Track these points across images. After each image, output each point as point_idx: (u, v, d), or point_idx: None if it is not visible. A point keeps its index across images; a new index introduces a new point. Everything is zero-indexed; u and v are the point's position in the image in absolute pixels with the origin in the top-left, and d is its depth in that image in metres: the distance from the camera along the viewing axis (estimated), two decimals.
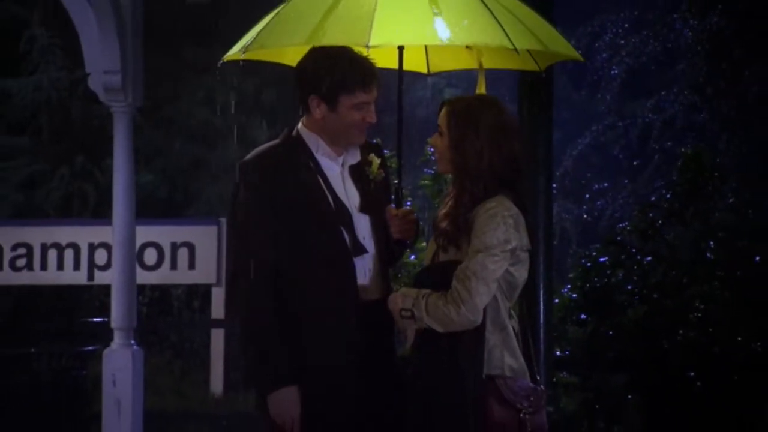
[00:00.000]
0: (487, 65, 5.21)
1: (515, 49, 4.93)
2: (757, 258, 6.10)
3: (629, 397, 5.81)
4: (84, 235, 9.80)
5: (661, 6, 9.96)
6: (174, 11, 9.77)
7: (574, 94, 10.02)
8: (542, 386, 4.67)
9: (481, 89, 5.16)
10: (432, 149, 5.15)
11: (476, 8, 5.03)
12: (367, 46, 4.80)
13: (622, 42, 10.03)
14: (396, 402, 4.78)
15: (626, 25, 9.92)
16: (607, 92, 10.05)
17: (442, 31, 4.91)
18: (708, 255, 6.06)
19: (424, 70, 5.24)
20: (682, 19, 9.74)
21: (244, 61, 5.18)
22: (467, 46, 5.11)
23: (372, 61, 4.71)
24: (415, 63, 5.10)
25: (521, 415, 4.47)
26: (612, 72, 9.95)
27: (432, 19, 4.92)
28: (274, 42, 5.02)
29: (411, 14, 4.96)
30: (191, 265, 9.74)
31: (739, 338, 5.82)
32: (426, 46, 5.09)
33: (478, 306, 4.41)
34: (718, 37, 9.46)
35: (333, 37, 4.84)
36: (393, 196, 5.07)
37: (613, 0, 9.84)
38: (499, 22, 4.95)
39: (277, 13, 5.07)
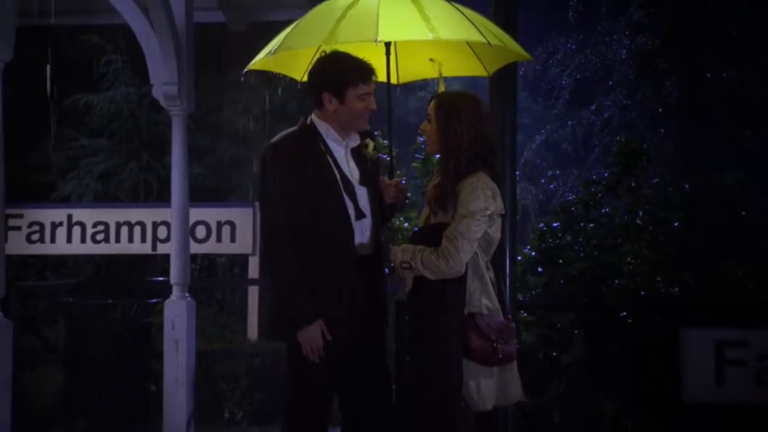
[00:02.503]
0: (445, 74, 5.21)
1: (488, 43, 4.93)
2: (675, 224, 6.11)
3: (575, 332, 5.81)
4: (149, 215, 9.81)
5: (601, 30, 9.95)
6: (218, 38, 9.79)
7: (533, 105, 10.00)
8: (513, 324, 4.69)
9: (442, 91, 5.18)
10: (422, 138, 5.14)
11: (453, 13, 5.02)
12: (377, 41, 4.78)
13: (570, 59, 10.01)
14: (384, 331, 4.80)
15: (573, 47, 9.90)
16: (558, 100, 10.03)
17: (431, 29, 4.90)
18: (637, 221, 6.07)
19: (395, 81, 5.12)
20: (617, 40, 9.75)
21: (265, 76, 5.15)
22: (430, 59, 5.11)
23: (368, 61, 4.73)
24: (381, 69, 4.97)
25: (494, 344, 4.48)
26: (562, 83, 9.93)
27: (422, 21, 4.90)
28: (298, 44, 5.01)
29: (406, 18, 4.92)
30: (232, 239, 9.73)
31: (660, 285, 5.82)
32: (397, 61, 5.02)
33: (463, 260, 4.45)
34: (646, 54, 9.47)
35: (347, 36, 4.85)
36: (387, 172, 5.08)
37: (563, 26, 9.80)
38: (473, 24, 4.94)
39: (297, 24, 5.04)
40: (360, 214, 4.73)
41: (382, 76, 4.89)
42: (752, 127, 9.49)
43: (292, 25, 4.96)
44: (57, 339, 9.48)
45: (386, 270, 4.81)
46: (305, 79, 4.99)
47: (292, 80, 5.42)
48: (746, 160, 8.90)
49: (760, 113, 9.40)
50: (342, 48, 4.73)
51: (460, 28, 4.88)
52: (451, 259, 4.42)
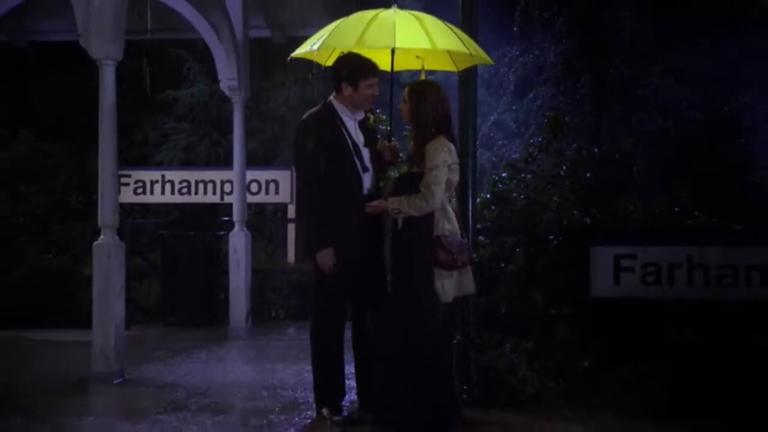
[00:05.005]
0: (427, 67, 5.18)
1: (470, 53, 4.92)
2: (588, 175, 6.09)
3: (517, 249, 5.82)
4: (218, 175, 9.86)
5: (536, 40, 9.90)
6: (266, 49, 9.76)
7: (487, 98, 9.92)
8: (466, 240, 4.76)
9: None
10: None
11: (445, 28, 4.98)
12: (394, 48, 4.77)
13: (514, 62, 9.95)
14: (382, 249, 4.84)
15: (517, 52, 9.83)
16: (505, 91, 9.98)
17: (431, 40, 4.88)
18: (561, 173, 6.06)
19: (389, 69, 5.09)
20: (547, 47, 9.71)
21: (301, 74, 5.11)
22: (417, 56, 5.09)
23: (373, 60, 4.72)
24: (386, 64, 4.97)
25: (454, 256, 4.55)
26: (509, 78, 9.87)
27: (424, 33, 4.87)
28: (335, 45, 4.99)
29: (413, 31, 4.90)
30: (276, 192, 9.80)
31: (576, 217, 5.83)
32: (393, 55, 4.94)
33: (438, 199, 4.53)
34: (567, 57, 9.44)
35: (372, 42, 4.81)
36: (386, 138, 5.09)
37: (509, 38, 9.74)
38: (458, 37, 4.93)
39: (334, 28, 4.97)
40: (365, 169, 4.78)
41: (386, 67, 4.93)
42: (640, 110, 9.51)
43: (330, 29, 4.91)
44: (156, 260, 9.57)
45: None
46: (328, 64, 5.01)
47: (318, 80, 5.44)
48: (635, 133, 8.93)
49: (645, 100, 9.46)
50: (366, 51, 4.77)
51: (450, 40, 4.87)
52: (430, 200, 4.54)
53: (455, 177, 4.66)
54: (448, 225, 4.62)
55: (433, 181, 4.50)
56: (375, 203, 4.69)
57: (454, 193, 4.77)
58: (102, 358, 5.94)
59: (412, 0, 9.38)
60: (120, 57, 6.05)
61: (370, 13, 4.90)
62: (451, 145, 4.63)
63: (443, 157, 4.54)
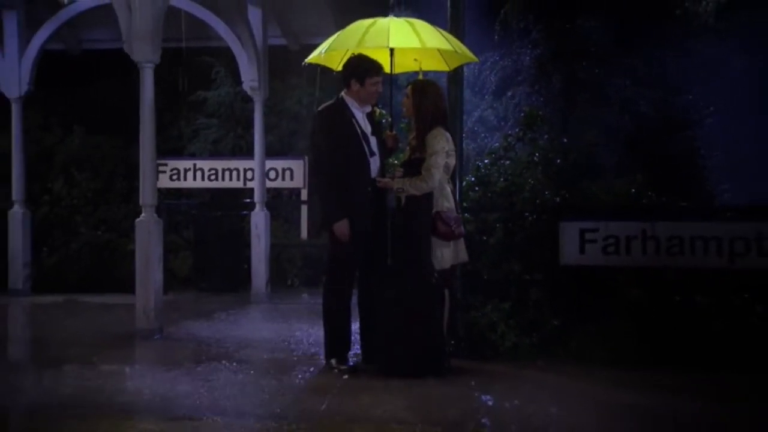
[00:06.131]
0: (424, 68, 5.18)
1: (455, 51, 4.92)
2: (558, 161, 6.07)
3: (497, 225, 5.82)
4: (241, 164, 9.88)
5: (514, 46, 9.85)
6: (282, 54, 9.70)
7: (472, 97, 9.87)
8: (461, 215, 4.75)
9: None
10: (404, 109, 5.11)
11: (433, 31, 4.98)
12: (388, 47, 4.77)
13: (495, 65, 9.88)
14: (386, 223, 4.84)
15: (497, 57, 9.79)
16: (487, 91, 9.92)
17: (420, 41, 4.88)
18: (535, 159, 6.04)
19: (393, 72, 5.08)
20: (524, 52, 9.66)
21: (312, 76, 5.09)
22: (414, 59, 5.08)
23: (379, 61, 4.69)
24: (386, 66, 4.97)
25: (452, 228, 4.57)
26: (490, 80, 9.83)
27: (415, 35, 4.87)
28: (339, 47, 5.01)
29: (405, 33, 4.90)
30: (291, 179, 9.79)
31: (548, 197, 5.82)
32: (392, 56, 4.93)
33: (436, 180, 4.55)
34: (541, 61, 9.41)
35: (371, 43, 4.81)
36: (388, 128, 5.06)
37: (491, 44, 9.69)
38: (446, 38, 4.92)
39: (338, 35, 4.99)
40: (372, 154, 4.81)
41: (386, 68, 4.93)
42: (603, 106, 9.49)
43: (335, 36, 4.95)
44: (189, 237, 9.56)
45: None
46: (339, 68, 5.01)
47: (327, 82, 5.41)
48: (599, 126, 8.92)
49: (608, 98, 9.45)
50: (365, 51, 4.77)
51: (438, 40, 4.88)
52: (430, 181, 4.60)
53: (452, 161, 4.74)
54: (447, 203, 4.72)
55: (433, 164, 4.59)
56: (384, 179, 4.77)
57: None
58: (144, 317, 5.99)
59: (405, 9, 9.32)
60: (157, 60, 6.05)
61: (368, 21, 4.93)
62: (448, 135, 4.71)
63: (442, 144, 4.63)
